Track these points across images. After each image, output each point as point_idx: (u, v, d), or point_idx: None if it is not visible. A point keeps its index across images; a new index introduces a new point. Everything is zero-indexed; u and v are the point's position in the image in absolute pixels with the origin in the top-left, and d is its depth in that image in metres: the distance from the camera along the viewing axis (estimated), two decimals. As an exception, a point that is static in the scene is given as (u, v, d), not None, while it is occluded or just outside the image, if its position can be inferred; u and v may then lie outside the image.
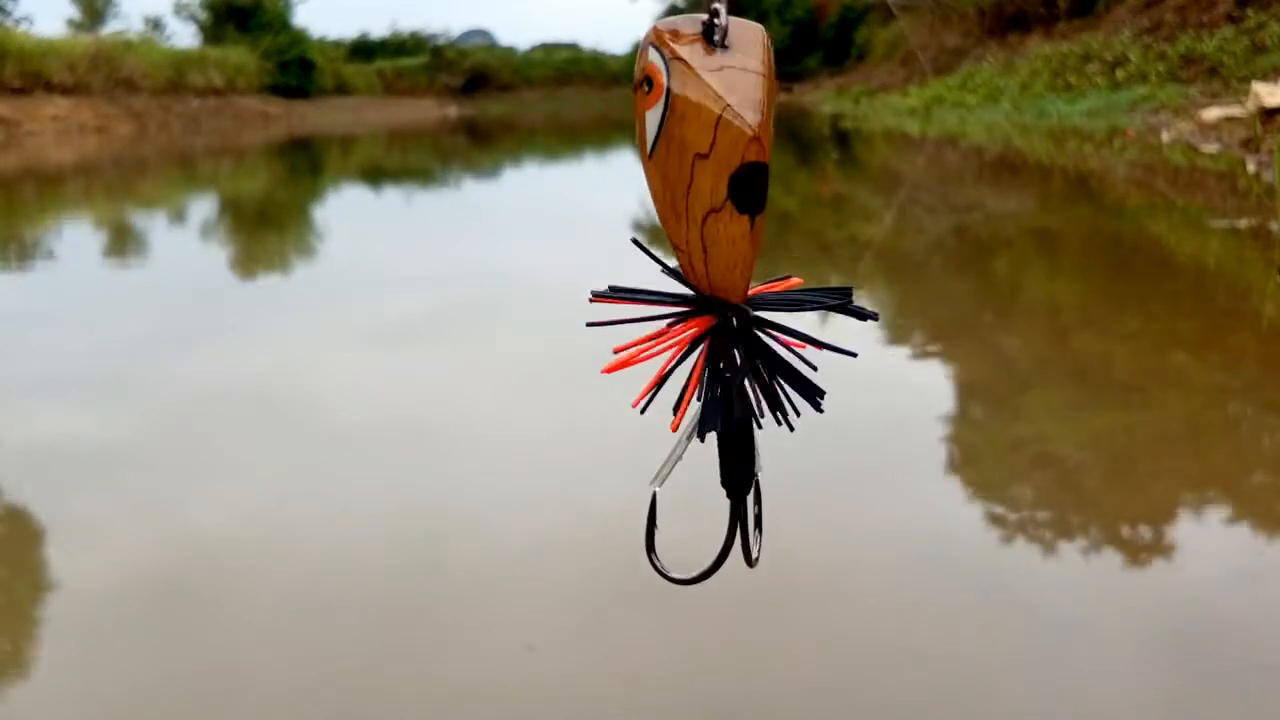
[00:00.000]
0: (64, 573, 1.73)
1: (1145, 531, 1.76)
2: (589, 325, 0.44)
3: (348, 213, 7.94)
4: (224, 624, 1.52)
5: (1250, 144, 7.17)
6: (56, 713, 1.34)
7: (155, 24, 30.84)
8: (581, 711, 1.30)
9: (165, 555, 1.76)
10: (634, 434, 2.32)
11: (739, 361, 0.42)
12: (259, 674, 1.40)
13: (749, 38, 0.41)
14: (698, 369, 0.43)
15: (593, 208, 7.65)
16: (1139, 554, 1.69)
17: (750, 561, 0.46)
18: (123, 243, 6.08)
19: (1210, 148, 7.71)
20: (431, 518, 1.87)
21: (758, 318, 0.43)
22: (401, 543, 1.77)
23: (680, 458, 0.44)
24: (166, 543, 1.81)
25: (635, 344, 0.43)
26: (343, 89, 33.46)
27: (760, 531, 0.47)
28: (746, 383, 0.43)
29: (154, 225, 6.99)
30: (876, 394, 2.59)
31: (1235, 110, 8.46)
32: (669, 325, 0.43)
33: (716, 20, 0.40)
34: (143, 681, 1.39)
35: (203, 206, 8.55)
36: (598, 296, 0.43)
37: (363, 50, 39.55)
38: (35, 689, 1.40)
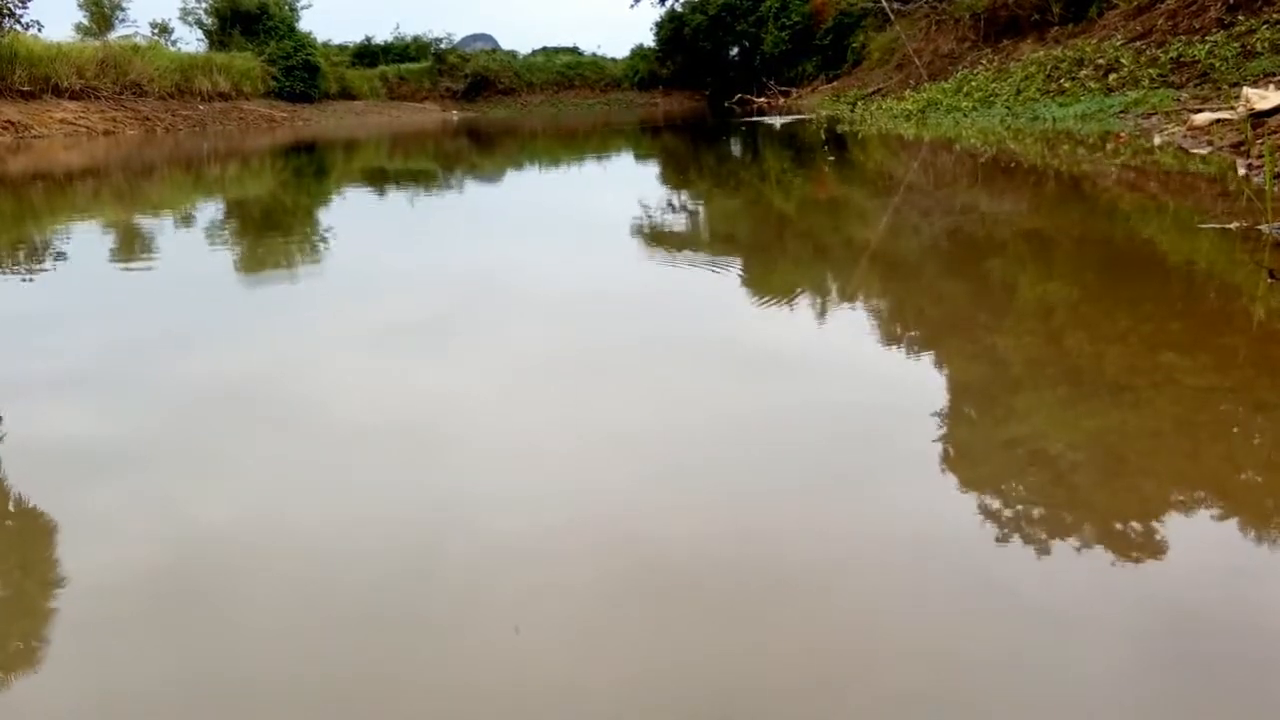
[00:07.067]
0: (69, 569, 1.75)
1: (1136, 529, 1.79)
2: None
3: (350, 215, 7.92)
4: (225, 621, 1.55)
5: (1240, 147, 7.25)
6: (58, 706, 1.38)
7: (163, 29, 30.99)
8: (578, 710, 1.32)
9: (167, 553, 1.78)
10: (634, 435, 2.46)
11: None
12: (259, 671, 1.43)
13: None
14: None
15: (593, 211, 7.68)
16: (1130, 551, 1.71)
17: None
18: (130, 244, 6.04)
19: (1201, 151, 7.77)
20: (434, 517, 1.90)
21: None
22: (402, 542, 1.80)
23: None
24: (169, 541, 1.84)
25: None
26: (347, 93, 33.58)
27: None
28: None
29: (161, 226, 6.95)
30: (873, 393, 2.63)
31: (1226, 114, 8.58)
32: None
33: None
34: (143, 678, 1.42)
35: (210, 208, 8.59)
36: None
37: (366, 55, 39.73)
38: (38, 683, 1.43)
